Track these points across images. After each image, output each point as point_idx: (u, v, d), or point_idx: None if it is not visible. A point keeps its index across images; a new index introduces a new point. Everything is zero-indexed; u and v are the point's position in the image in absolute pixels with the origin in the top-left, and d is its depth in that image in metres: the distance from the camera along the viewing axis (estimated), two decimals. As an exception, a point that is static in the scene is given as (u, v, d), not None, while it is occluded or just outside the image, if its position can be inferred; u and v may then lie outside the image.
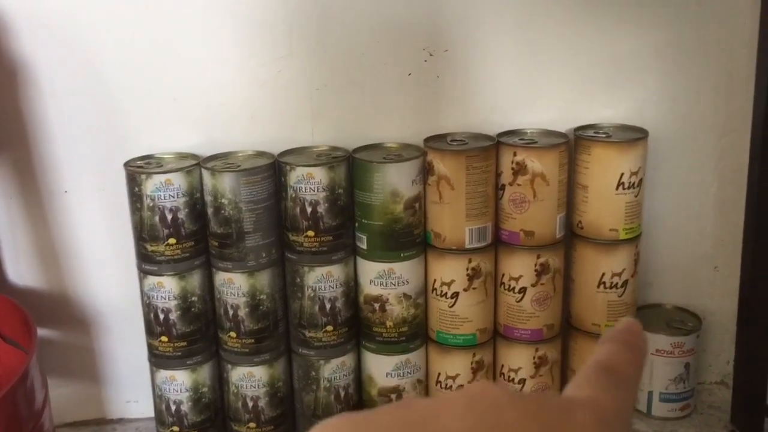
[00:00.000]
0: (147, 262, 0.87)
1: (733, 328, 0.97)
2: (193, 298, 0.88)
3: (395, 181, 0.87)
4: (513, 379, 0.95)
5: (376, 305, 0.90)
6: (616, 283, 0.93)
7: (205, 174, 0.86)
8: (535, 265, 0.91)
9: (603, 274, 0.93)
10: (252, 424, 0.91)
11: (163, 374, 0.90)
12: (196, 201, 0.87)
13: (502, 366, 0.96)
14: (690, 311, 1.01)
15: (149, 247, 0.86)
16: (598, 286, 0.93)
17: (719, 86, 0.96)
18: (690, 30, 0.94)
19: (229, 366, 0.90)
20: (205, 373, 0.90)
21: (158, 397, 0.91)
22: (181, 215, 0.86)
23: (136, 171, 0.85)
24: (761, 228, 0.87)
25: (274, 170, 0.87)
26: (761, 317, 0.89)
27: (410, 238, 0.89)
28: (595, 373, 0.25)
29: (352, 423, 0.23)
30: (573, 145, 0.92)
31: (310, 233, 0.87)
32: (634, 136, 0.91)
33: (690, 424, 0.97)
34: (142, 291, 0.89)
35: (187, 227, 0.86)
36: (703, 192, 1.00)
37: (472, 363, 0.94)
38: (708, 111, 0.96)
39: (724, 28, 0.94)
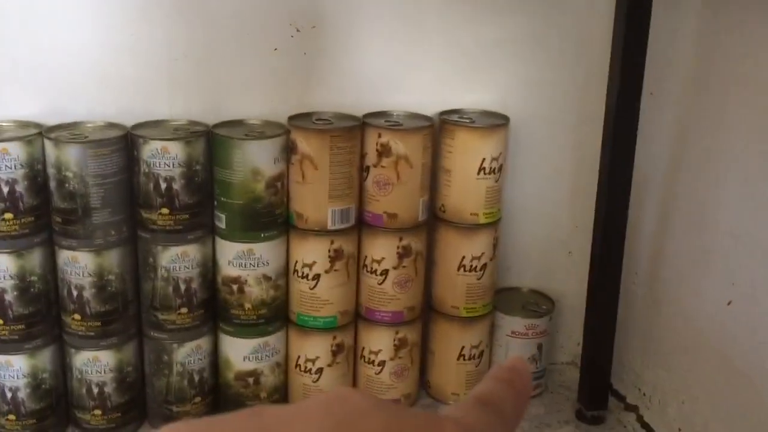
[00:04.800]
0: (-21, 238, 0.80)
1: (584, 311, 1.01)
2: (32, 278, 0.82)
3: (256, 159, 0.84)
4: (373, 361, 0.95)
5: (234, 287, 0.87)
6: (476, 267, 0.94)
7: (48, 144, 0.80)
8: (398, 247, 0.91)
9: (463, 258, 0.94)
10: (97, 411, 0.86)
11: (-2, 359, 0.83)
12: (37, 173, 0.80)
13: (363, 348, 0.96)
14: (545, 294, 1.04)
15: (-18, 222, 0.79)
16: (458, 269, 0.94)
17: (577, 77, 0.99)
18: (551, 22, 0.96)
19: (73, 350, 0.85)
20: (45, 357, 0.84)
21: (-8, 384, 0.85)
22: (19, 188, 0.79)
23: (-33, 138, 0.78)
24: (609, 215, 0.91)
25: (125, 143, 0.82)
26: (607, 300, 0.94)
27: (272, 218, 0.87)
28: (472, 404, 0.24)
29: (191, 430, 0.21)
30: (438, 128, 0.93)
31: (165, 211, 0.83)
32: (496, 122, 0.93)
33: (540, 403, 1.01)
34: (-27, 270, 0.81)
35: (26, 201, 0.80)
36: (560, 179, 1.03)
37: (332, 345, 0.93)
38: (566, 100, 1.00)
39: (582, 21, 0.97)
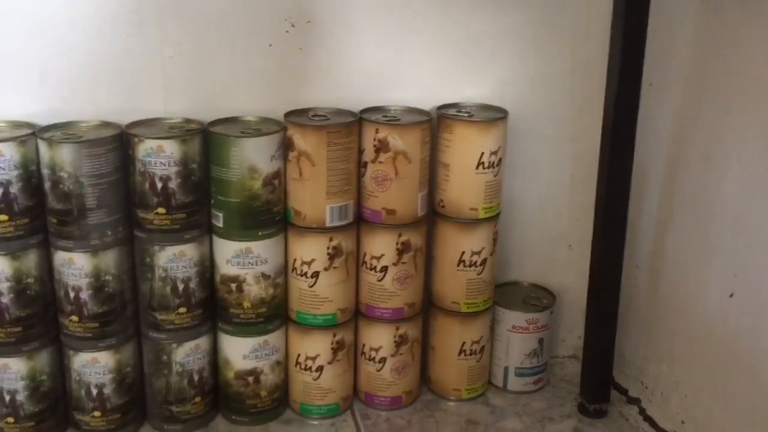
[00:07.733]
0: (-26, 240, 0.79)
1: (585, 305, 1.00)
2: (28, 280, 0.81)
3: (253, 157, 0.83)
4: (374, 357, 0.95)
5: (233, 286, 0.87)
6: (476, 262, 0.94)
7: (42, 145, 0.79)
8: (397, 243, 0.91)
9: (463, 253, 0.93)
10: (97, 413, 0.86)
11: (-5, 363, 0.82)
12: (31, 174, 0.80)
13: (363, 345, 0.95)
14: (545, 288, 1.04)
15: (-24, 225, 0.78)
16: (458, 265, 0.94)
17: (575, 70, 0.98)
18: (549, 15, 0.96)
19: (71, 352, 0.84)
20: (43, 360, 0.84)
21: (-10, 388, 0.84)
22: (14, 189, 0.78)
23: (-40, 140, 0.77)
24: (609, 208, 0.90)
25: (120, 142, 0.81)
26: (608, 294, 0.93)
27: (269, 215, 0.86)
28: None
29: None
30: (436, 123, 0.92)
31: (161, 210, 0.82)
32: (494, 116, 0.92)
33: (542, 397, 1.00)
34: (-31, 272, 0.81)
35: (21, 203, 0.79)
36: (559, 173, 1.03)
37: (332, 343, 0.92)
38: (565, 93, 0.99)
39: (580, 12, 0.96)
